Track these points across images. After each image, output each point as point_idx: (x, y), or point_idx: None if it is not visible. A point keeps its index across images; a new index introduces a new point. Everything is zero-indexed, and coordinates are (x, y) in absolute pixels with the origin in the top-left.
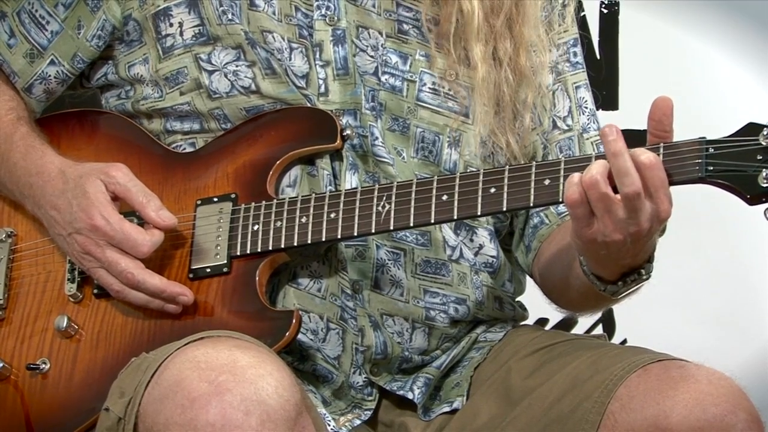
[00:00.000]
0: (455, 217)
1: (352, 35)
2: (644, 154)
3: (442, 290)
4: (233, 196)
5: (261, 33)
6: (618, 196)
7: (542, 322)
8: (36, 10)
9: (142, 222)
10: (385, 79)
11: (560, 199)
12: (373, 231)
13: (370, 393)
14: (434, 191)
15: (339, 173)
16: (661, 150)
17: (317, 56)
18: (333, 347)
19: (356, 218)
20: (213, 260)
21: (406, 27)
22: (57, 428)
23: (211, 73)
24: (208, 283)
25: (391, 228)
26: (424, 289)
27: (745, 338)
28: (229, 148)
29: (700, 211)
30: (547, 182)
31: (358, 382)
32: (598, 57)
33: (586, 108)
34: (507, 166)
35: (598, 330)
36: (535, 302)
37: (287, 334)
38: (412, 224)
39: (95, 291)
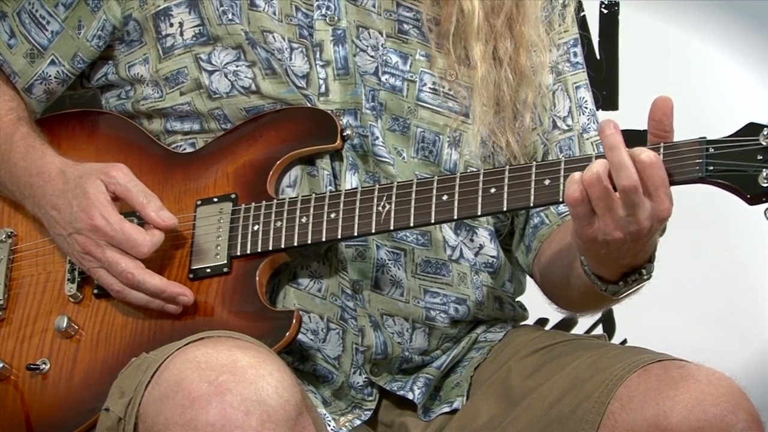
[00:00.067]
0: (455, 217)
1: (352, 35)
2: (644, 153)
3: (443, 290)
4: (233, 196)
5: (261, 33)
6: (618, 194)
7: (542, 322)
8: (36, 10)
9: (143, 222)
10: (386, 79)
11: (560, 199)
12: (373, 231)
13: (370, 393)
14: (434, 191)
15: (339, 173)
16: (662, 150)
17: (317, 56)
18: (333, 347)
19: (356, 218)
20: (213, 260)
21: (406, 27)
22: (57, 428)
23: (211, 73)
24: (208, 284)
25: (392, 228)
26: (425, 289)
27: (745, 338)
28: (229, 148)
29: (700, 211)
30: (547, 182)
31: (358, 383)
32: (598, 57)
33: (586, 108)
34: (507, 166)
35: (598, 330)
36: (535, 302)
37: (287, 334)
38: (412, 224)
39: (95, 291)
